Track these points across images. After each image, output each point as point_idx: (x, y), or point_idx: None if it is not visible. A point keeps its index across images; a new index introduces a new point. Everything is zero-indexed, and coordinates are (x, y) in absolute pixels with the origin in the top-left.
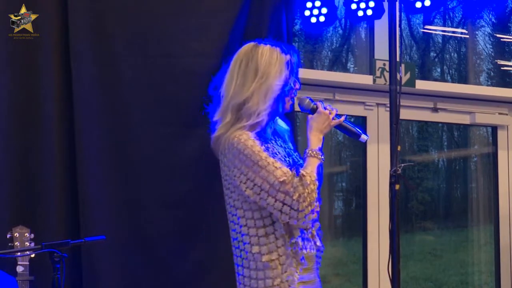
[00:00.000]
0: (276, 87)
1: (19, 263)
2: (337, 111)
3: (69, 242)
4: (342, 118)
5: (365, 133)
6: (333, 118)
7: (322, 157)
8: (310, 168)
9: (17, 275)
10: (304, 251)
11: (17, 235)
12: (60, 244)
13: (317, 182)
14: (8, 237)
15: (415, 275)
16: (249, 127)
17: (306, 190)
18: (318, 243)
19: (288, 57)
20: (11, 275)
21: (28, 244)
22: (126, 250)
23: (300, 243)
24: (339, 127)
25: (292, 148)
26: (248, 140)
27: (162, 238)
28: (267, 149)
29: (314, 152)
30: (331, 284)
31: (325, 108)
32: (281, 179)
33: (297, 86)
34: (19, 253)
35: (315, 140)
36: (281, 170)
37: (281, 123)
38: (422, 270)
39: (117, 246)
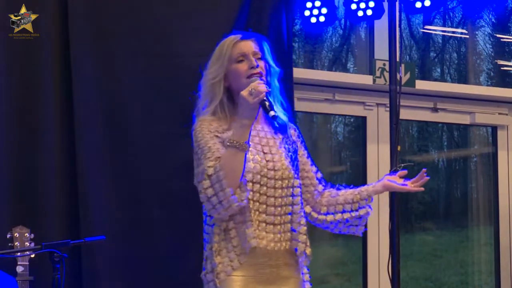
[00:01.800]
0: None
1: (19, 263)
2: (264, 89)
3: (69, 242)
4: (262, 95)
5: (273, 109)
6: (256, 96)
7: (239, 144)
8: (220, 160)
9: (17, 275)
10: (233, 242)
11: (17, 235)
12: (60, 244)
13: (219, 174)
14: (8, 237)
15: (415, 275)
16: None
17: (204, 185)
18: (286, 243)
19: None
20: (11, 275)
21: (28, 244)
22: (126, 250)
23: (233, 233)
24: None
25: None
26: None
27: (162, 237)
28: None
29: (230, 141)
30: (331, 284)
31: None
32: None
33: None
34: (19, 253)
35: (235, 129)
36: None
37: (281, 115)
38: (422, 270)
39: (117, 246)
